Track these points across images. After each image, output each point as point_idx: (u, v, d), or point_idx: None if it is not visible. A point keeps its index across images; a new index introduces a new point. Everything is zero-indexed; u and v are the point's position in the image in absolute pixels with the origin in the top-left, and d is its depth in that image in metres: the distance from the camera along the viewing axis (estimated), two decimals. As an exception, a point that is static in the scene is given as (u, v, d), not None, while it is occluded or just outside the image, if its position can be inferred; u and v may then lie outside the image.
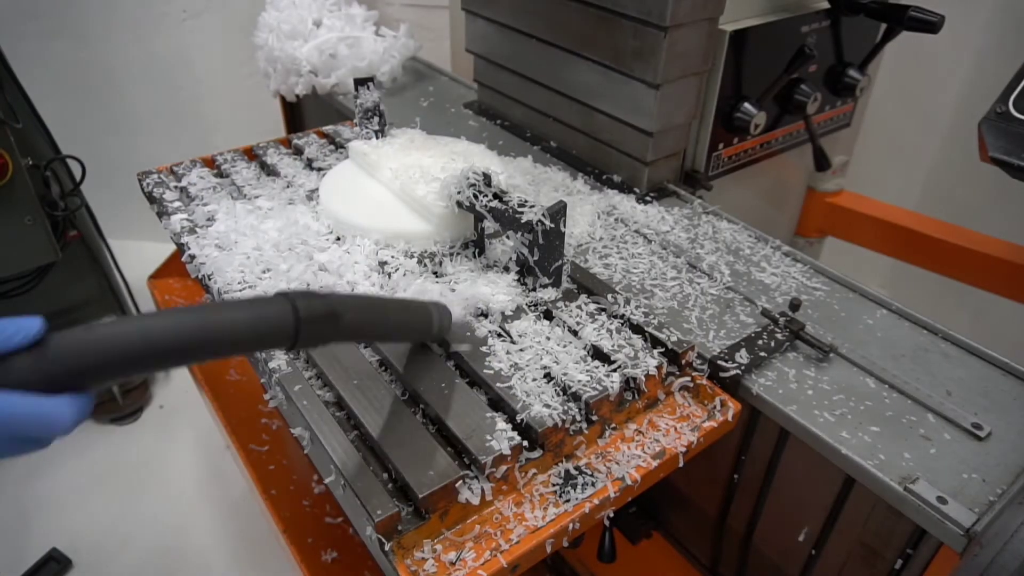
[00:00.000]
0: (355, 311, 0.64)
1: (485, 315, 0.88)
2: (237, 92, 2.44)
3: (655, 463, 0.77)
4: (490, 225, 0.93)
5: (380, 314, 0.70)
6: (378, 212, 0.99)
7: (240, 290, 0.91)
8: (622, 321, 0.88)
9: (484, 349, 0.83)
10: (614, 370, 0.80)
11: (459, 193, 0.92)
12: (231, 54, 2.36)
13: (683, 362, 0.85)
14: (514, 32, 1.33)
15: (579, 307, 0.89)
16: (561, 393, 0.78)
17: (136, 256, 2.13)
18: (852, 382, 0.87)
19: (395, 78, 1.65)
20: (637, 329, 0.87)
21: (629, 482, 0.74)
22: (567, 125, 1.33)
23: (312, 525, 1.27)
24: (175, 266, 1.81)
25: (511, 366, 0.80)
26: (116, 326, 0.50)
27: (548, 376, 0.80)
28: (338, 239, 1.00)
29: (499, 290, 0.89)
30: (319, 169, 1.20)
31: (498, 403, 0.77)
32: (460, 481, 0.68)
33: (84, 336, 0.50)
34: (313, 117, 1.79)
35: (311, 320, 0.57)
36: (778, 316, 0.93)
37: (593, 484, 0.74)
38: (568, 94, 1.29)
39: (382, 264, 0.94)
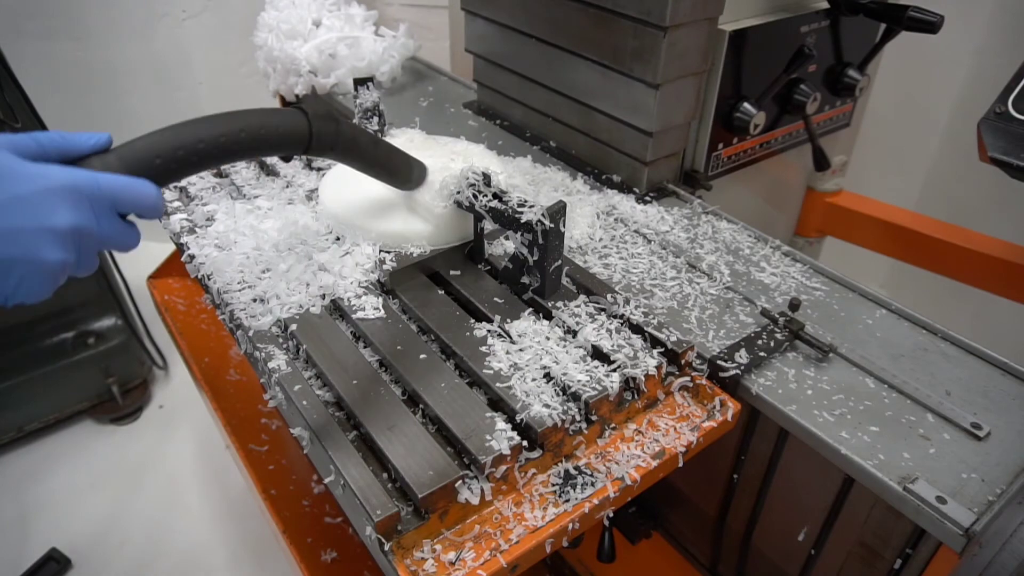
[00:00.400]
0: (352, 127, 0.79)
1: (489, 320, 0.88)
2: (237, 92, 2.44)
3: (655, 463, 0.77)
4: (489, 225, 0.93)
5: (372, 139, 0.83)
6: (377, 212, 0.99)
7: (240, 289, 0.91)
8: (622, 321, 0.88)
9: (483, 349, 0.83)
10: (614, 370, 0.80)
11: (459, 193, 0.92)
12: (231, 54, 2.36)
13: (683, 362, 0.85)
14: (514, 32, 1.33)
15: (579, 307, 0.89)
16: (561, 393, 0.78)
17: (135, 256, 2.12)
18: (851, 382, 0.87)
19: (394, 78, 1.65)
20: (637, 329, 0.87)
21: (629, 482, 0.74)
22: (567, 125, 1.33)
23: (312, 525, 1.27)
24: (175, 266, 1.81)
25: (511, 366, 0.80)
26: (169, 129, 0.66)
27: (548, 376, 0.80)
28: (337, 239, 1.00)
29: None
30: (319, 169, 1.20)
31: (498, 403, 0.77)
32: (460, 481, 0.68)
33: (147, 138, 0.65)
34: (313, 117, 1.78)
35: (318, 118, 0.71)
36: (778, 316, 0.93)
37: (593, 484, 0.74)
38: (568, 94, 1.29)
39: (380, 263, 0.94)
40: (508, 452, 0.70)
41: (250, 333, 0.86)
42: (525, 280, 0.91)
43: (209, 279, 0.95)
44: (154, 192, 0.63)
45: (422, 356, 0.82)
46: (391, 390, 0.78)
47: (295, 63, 1.55)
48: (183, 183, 1.16)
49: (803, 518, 0.92)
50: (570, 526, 0.70)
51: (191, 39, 2.35)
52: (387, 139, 1.14)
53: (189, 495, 1.89)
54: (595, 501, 0.72)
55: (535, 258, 0.87)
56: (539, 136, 1.41)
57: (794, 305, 0.93)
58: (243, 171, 1.20)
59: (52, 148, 0.61)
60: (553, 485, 0.74)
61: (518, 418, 0.74)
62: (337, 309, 0.91)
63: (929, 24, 1.22)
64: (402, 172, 0.90)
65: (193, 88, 2.45)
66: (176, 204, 1.10)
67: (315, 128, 0.72)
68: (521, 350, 0.83)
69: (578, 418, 0.76)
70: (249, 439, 1.42)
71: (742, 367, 0.86)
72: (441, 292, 0.93)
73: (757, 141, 1.36)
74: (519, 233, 0.87)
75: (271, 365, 0.81)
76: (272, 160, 1.23)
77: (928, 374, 0.88)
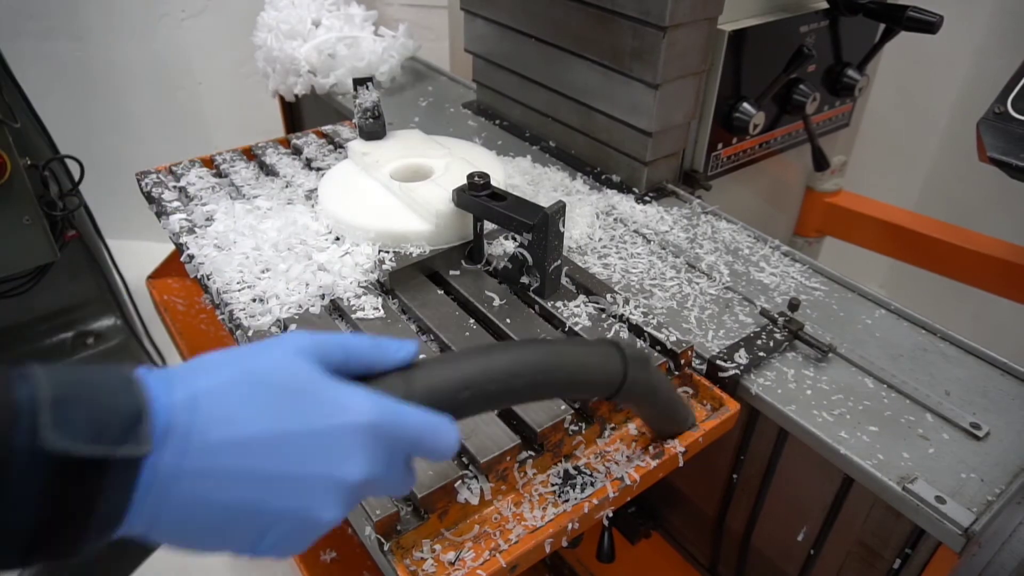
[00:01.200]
0: (659, 375, 0.69)
1: (489, 320, 0.88)
2: (236, 92, 2.44)
3: (654, 463, 0.77)
4: (489, 225, 0.93)
5: (668, 385, 0.72)
6: (377, 212, 0.99)
7: (239, 289, 0.91)
8: (621, 321, 0.88)
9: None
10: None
11: (458, 193, 0.92)
12: (230, 54, 2.36)
13: (682, 362, 0.85)
14: (513, 32, 1.33)
15: (578, 307, 0.89)
16: (560, 393, 0.78)
17: (135, 256, 2.13)
18: (851, 382, 0.87)
19: (394, 78, 1.65)
20: (636, 329, 0.87)
21: (628, 482, 0.74)
22: (566, 125, 1.33)
23: (311, 525, 1.27)
24: (174, 266, 1.81)
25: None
26: (478, 354, 0.54)
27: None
28: (337, 239, 1.00)
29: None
30: (318, 169, 1.20)
31: (497, 403, 0.77)
32: (459, 481, 0.68)
33: (452, 361, 0.53)
34: (312, 117, 1.79)
35: (635, 362, 0.61)
36: (777, 316, 0.93)
37: (592, 484, 0.74)
38: (567, 94, 1.29)
39: (380, 263, 0.94)
40: (507, 452, 0.70)
41: (249, 333, 0.86)
42: (525, 280, 0.91)
43: (208, 279, 0.95)
44: (455, 437, 0.48)
45: (422, 356, 0.82)
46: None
47: (294, 63, 1.55)
48: (182, 183, 1.16)
49: (802, 518, 0.92)
50: (569, 526, 0.70)
51: (191, 39, 2.35)
52: (387, 139, 1.14)
53: (188, 495, 1.88)
54: (595, 501, 0.72)
55: (535, 258, 0.88)
56: (538, 136, 1.41)
57: (793, 305, 0.93)
58: (243, 171, 1.20)
59: (357, 360, 0.48)
60: (552, 485, 0.74)
61: (518, 418, 0.74)
62: (336, 309, 0.91)
63: (928, 24, 1.22)
64: (677, 420, 0.78)
65: (193, 88, 2.45)
66: (175, 204, 1.10)
67: (630, 376, 0.61)
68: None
69: (578, 418, 0.76)
70: (248, 439, 1.42)
71: (741, 367, 0.86)
72: (441, 292, 0.93)
73: (756, 141, 1.36)
74: (519, 233, 0.87)
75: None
76: (272, 160, 1.23)
77: (927, 374, 0.88)
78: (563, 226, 0.86)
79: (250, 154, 1.28)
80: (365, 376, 0.49)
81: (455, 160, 1.06)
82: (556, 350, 0.57)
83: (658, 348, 0.85)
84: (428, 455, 0.48)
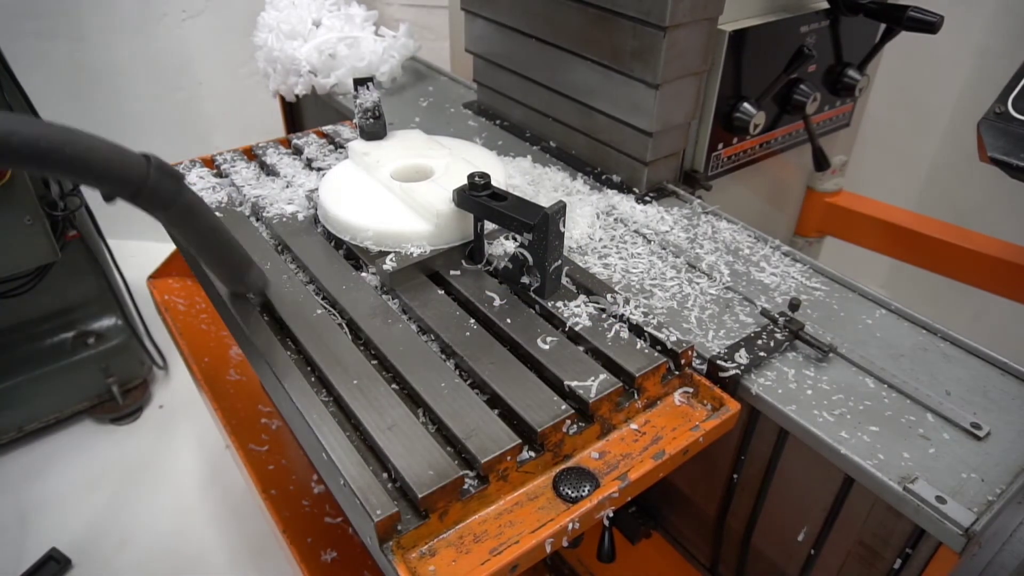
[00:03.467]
0: (196, 199, 0.73)
1: (489, 320, 0.88)
2: (237, 92, 2.44)
3: (654, 463, 0.77)
4: (489, 225, 0.93)
5: (214, 222, 0.77)
6: (378, 212, 0.99)
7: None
8: (621, 321, 0.88)
9: (483, 349, 0.83)
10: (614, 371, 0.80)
11: (458, 193, 0.92)
12: (231, 54, 2.36)
13: (682, 362, 0.85)
14: (513, 32, 1.33)
15: (578, 307, 0.89)
16: (560, 393, 0.78)
17: (135, 256, 2.13)
18: (851, 382, 0.87)
19: (394, 78, 1.65)
20: (637, 329, 0.87)
21: (628, 482, 0.74)
22: (566, 125, 1.33)
23: (311, 525, 1.27)
24: (174, 266, 1.81)
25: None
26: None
27: (547, 376, 0.80)
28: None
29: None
30: (319, 169, 1.20)
31: (498, 402, 0.77)
32: (460, 481, 0.68)
33: None
34: (312, 117, 1.79)
35: (161, 171, 0.65)
36: (777, 316, 0.93)
37: (592, 484, 0.74)
38: (567, 94, 1.29)
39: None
40: (508, 452, 0.70)
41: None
42: (525, 280, 0.91)
43: (209, 279, 0.95)
44: None
45: (422, 356, 0.82)
46: (391, 390, 0.78)
47: (295, 63, 1.55)
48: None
49: (803, 518, 0.92)
50: (570, 526, 0.70)
51: (191, 39, 2.35)
52: (387, 139, 1.14)
53: (189, 495, 1.89)
54: (595, 501, 0.72)
55: (535, 258, 0.88)
56: (539, 136, 1.41)
57: (794, 305, 0.93)
58: (243, 171, 1.20)
59: None
60: (553, 485, 0.74)
61: (518, 418, 0.74)
62: (335, 306, 0.91)
63: (929, 24, 1.22)
64: (235, 268, 0.83)
65: (193, 88, 2.45)
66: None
67: (152, 178, 0.65)
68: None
69: (578, 418, 0.76)
70: (249, 439, 1.42)
71: (742, 367, 0.86)
72: (441, 292, 0.93)
73: (757, 141, 1.36)
74: (519, 233, 0.87)
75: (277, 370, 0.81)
76: (272, 160, 1.23)
77: (928, 374, 0.88)
78: (563, 226, 0.86)
79: (251, 154, 1.28)
80: None
81: (455, 160, 1.06)
82: (79, 133, 0.61)
83: (658, 348, 0.85)
84: None
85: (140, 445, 2.03)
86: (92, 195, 1.84)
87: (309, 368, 0.83)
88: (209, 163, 1.25)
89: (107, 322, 2.01)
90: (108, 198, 0.72)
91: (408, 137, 1.16)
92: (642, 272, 1.04)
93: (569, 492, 0.73)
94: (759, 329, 0.93)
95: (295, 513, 1.29)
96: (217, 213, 1.09)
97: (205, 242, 0.78)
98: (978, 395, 0.85)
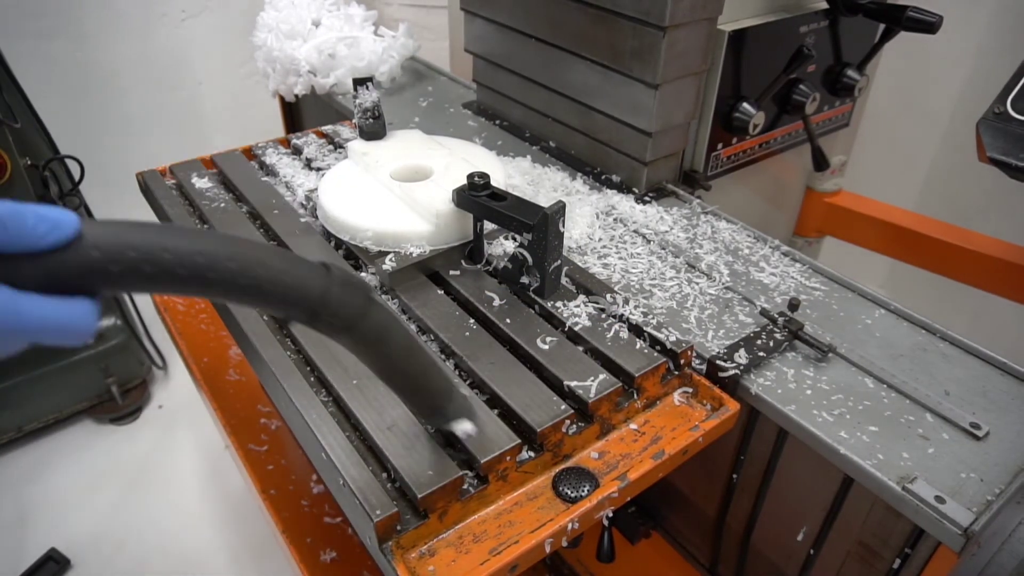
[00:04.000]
0: (389, 316, 0.58)
1: (489, 320, 0.88)
2: (236, 92, 2.44)
3: (654, 463, 0.77)
4: (489, 225, 0.93)
5: (411, 343, 0.62)
6: (377, 212, 0.99)
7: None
8: (621, 321, 0.88)
9: (483, 349, 0.83)
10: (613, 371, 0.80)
11: (458, 193, 0.92)
12: (230, 54, 2.36)
13: (682, 362, 0.85)
14: (513, 32, 1.33)
15: (578, 307, 0.89)
16: (560, 393, 0.78)
17: (135, 256, 2.13)
18: (851, 382, 0.87)
19: (394, 78, 1.65)
20: (636, 329, 0.87)
21: (628, 482, 0.74)
22: (566, 125, 1.33)
23: (311, 525, 1.27)
24: (174, 266, 1.80)
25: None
26: (146, 233, 0.45)
27: (547, 376, 0.80)
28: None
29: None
30: (318, 169, 1.20)
31: (497, 402, 0.77)
32: (459, 481, 0.68)
33: (123, 227, 0.45)
34: (312, 117, 1.79)
35: (343, 284, 0.53)
36: (777, 316, 0.93)
37: (592, 484, 0.74)
38: (567, 94, 1.29)
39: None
40: (508, 452, 0.70)
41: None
42: (525, 280, 0.91)
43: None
44: (87, 328, 0.44)
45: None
46: (390, 389, 0.78)
47: (294, 63, 1.55)
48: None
49: (802, 518, 0.92)
50: (569, 526, 0.70)
51: (190, 39, 2.35)
52: (387, 139, 1.14)
53: (189, 495, 1.89)
54: (594, 501, 0.72)
55: (535, 258, 0.88)
56: (538, 136, 1.41)
57: (793, 305, 0.93)
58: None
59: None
60: (552, 485, 0.74)
61: (518, 418, 0.74)
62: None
63: (928, 24, 1.23)
64: (435, 397, 0.67)
65: (193, 88, 2.45)
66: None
67: (332, 296, 0.52)
68: (520, 350, 0.83)
69: (577, 418, 0.76)
70: (248, 439, 1.42)
71: (741, 367, 0.86)
72: (441, 292, 0.93)
73: (756, 141, 1.36)
74: (519, 233, 0.87)
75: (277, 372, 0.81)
76: (272, 160, 1.23)
77: (927, 374, 0.88)
78: (563, 226, 0.86)
79: (250, 154, 1.28)
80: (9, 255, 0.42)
81: (455, 160, 1.06)
82: (247, 247, 0.49)
83: (658, 348, 0.85)
84: (56, 344, 0.44)
85: (140, 445, 2.03)
86: (92, 195, 1.84)
87: (308, 368, 0.83)
88: (209, 163, 1.25)
89: (107, 322, 2.01)
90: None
91: (408, 137, 1.16)
92: (641, 272, 1.04)
93: (568, 492, 0.73)
94: (758, 329, 0.93)
95: (294, 513, 1.29)
96: (215, 206, 1.09)
97: (397, 368, 0.63)
98: (977, 395, 0.85)
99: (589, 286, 0.93)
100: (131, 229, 0.45)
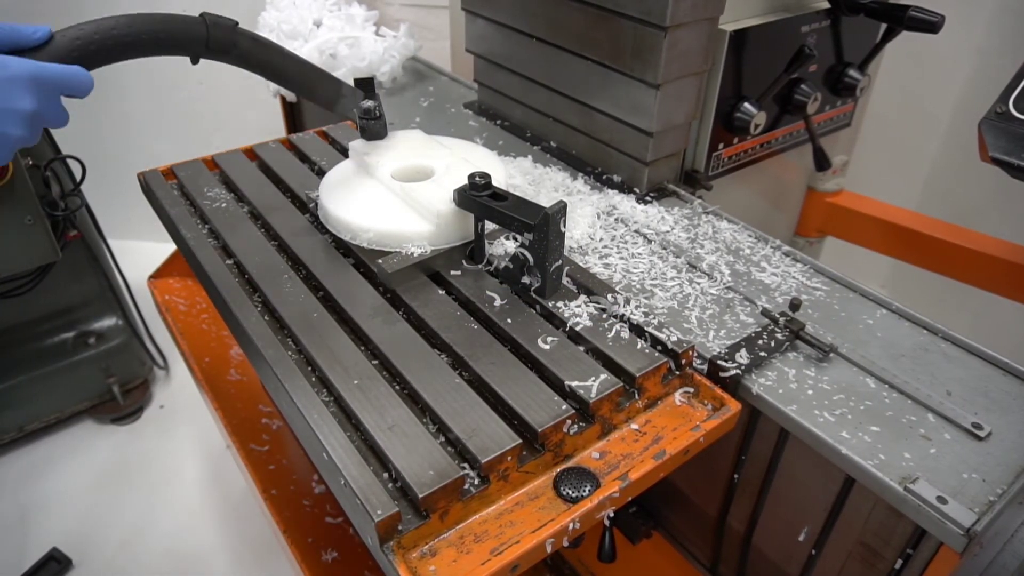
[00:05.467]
0: (252, 35, 0.89)
1: (490, 320, 0.88)
2: (237, 92, 2.44)
3: (655, 463, 0.77)
4: (490, 225, 0.93)
5: (278, 50, 0.94)
6: (378, 212, 0.99)
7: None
8: (622, 321, 0.88)
9: (484, 349, 0.83)
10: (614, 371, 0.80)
11: (459, 193, 0.92)
12: (231, 54, 2.36)
13: (683, 362, 0.85)
14: (514, 32, 1.33)
15: (579, 307, 0.89)
16: (561, 393, 0.78)
17: (136, 256, 2.13)
18: (852, 382, 0.87)
19: (395, 78, 1.65)
20: (637, 329, 0.87)
21: (629, 482, 0.74)
22: (567, 125, 1.33)
23: (312, 525, 1.27)
24: (175, 266, 1.81)
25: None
26: (92, 21, 0.77)
27: (548, 375, 0.80)
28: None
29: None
30: (319, 169, 1.20)
31: (498, 402, 0.77)
32: (460, 481, 0.68)
33: (76, 28, 0.76)
34: (313, 117, 1.79)
35: (216, 25, 0.84)
36: (778, 316, 0.93)
37: (593, 484, 0.74)
38: (568, 94, 1.29)
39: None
40: (508, 452, 0.70)
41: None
42: (525, 280, 0.91)
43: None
44: (89, 79, 0.75)
45: (423, 356, 0.82)
46: (391, 390, 0.78)
47: (296, 63, 1.55)
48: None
49: (804, 518, 0.92)
50: (570, 526, 0.70)
51: (192, 39, 2.34)
52: (388, 139, 1.14)
53: (190, 495, 1.89)
54: (595, 501, 0.72)
55: (536, 258, 0.88)
56: (539, 136, 1.41)
57: (794, 305, 0.93)
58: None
59: (4, 40, 0.71)
60: (553, 485, 0.74)
61: (518, 418, 0.74)
62: (335, 306, 0.91)
63: (930, 24, 1.22)
64: (327, 90, 1.02)
65: (193, 88, 2.45)
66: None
67: (211, 32, 0.84)
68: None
69: (579, 418, 0.76)
70: (249, 439, 1.42)
71: (742, 367, 0.86)
72: (442, 292, 0.93)
73: (758, 141, 1.36)
74: (520, 233, 0.87)
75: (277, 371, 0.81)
76: (273, 160, 1.23)
77: (929, 374, 0.88)
78: (564, 226, 0.86)
79: (251, 154, 1.28)
80: (16, 50, 0.72)
81: (456, 160, 1.06)
82: (150, 17, 0.80)
83: (659, 348, 0.85)
84: (73, 93, 0.74)
85: (141, 445, 2.03)
86: (93, 194, 1.84)
87: (310, 368, 0.83)
88: (210, 163, 1.25)
89: (108, 322, 2.02)
90: (193, 60, 0.88)
91: (409, 137, 1.15)
92: (643, 272, 1.04)
93: (570, 492, 0.73)
94: (760, 329, 0.93)
95: (296, 513, 1.29)
96: (217, 206, 1.09)
97: (279, 71, 0.94)
98: (979, 395, 0.85)
99: (590, 286, 0.93)
100: (81, 25, 0.76)
